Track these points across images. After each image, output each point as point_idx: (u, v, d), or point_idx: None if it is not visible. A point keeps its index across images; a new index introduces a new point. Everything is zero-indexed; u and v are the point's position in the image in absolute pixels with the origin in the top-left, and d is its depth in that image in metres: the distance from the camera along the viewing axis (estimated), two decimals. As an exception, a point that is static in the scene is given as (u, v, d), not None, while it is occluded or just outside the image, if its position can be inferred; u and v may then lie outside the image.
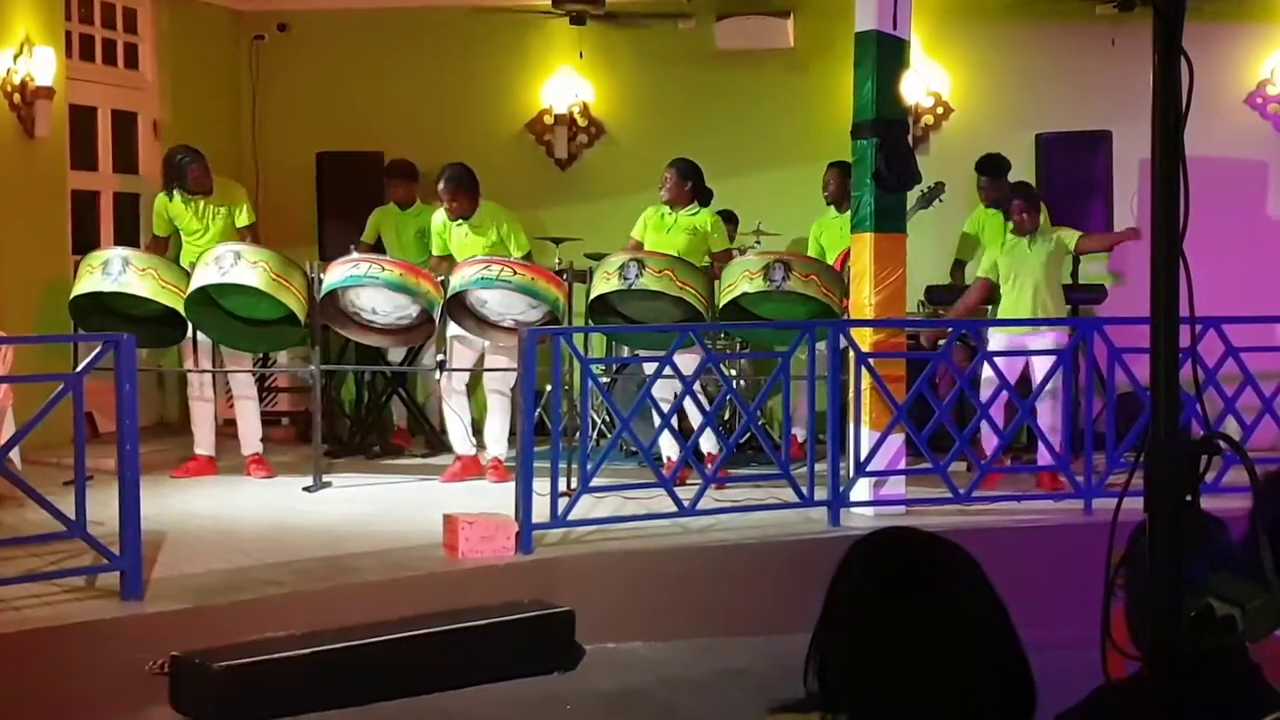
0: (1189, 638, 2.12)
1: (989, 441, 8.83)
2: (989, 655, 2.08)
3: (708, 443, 8.95)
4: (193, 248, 9.53)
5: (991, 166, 10.29)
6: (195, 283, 8.93)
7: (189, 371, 9.58)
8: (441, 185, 9.39)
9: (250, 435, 9.57)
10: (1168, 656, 2.12)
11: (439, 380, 9.59)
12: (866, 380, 8.21)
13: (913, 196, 8.89)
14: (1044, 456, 8.96)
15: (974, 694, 2.06)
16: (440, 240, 9.56)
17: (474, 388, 9.71)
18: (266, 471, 9.48)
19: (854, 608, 2.13)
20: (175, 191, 9.54)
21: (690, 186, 9.42)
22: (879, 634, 2.09)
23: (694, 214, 9.44)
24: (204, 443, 9.58)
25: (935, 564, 2.15)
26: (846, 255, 9.18)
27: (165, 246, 9.74)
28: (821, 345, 8.39)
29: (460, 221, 9.38)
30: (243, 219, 9.63)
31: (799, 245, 10.56)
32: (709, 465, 8.54)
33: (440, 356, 9.48)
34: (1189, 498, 2.12)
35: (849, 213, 8.86)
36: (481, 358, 9.45)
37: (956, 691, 2.05)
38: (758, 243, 10.79)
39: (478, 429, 9.56)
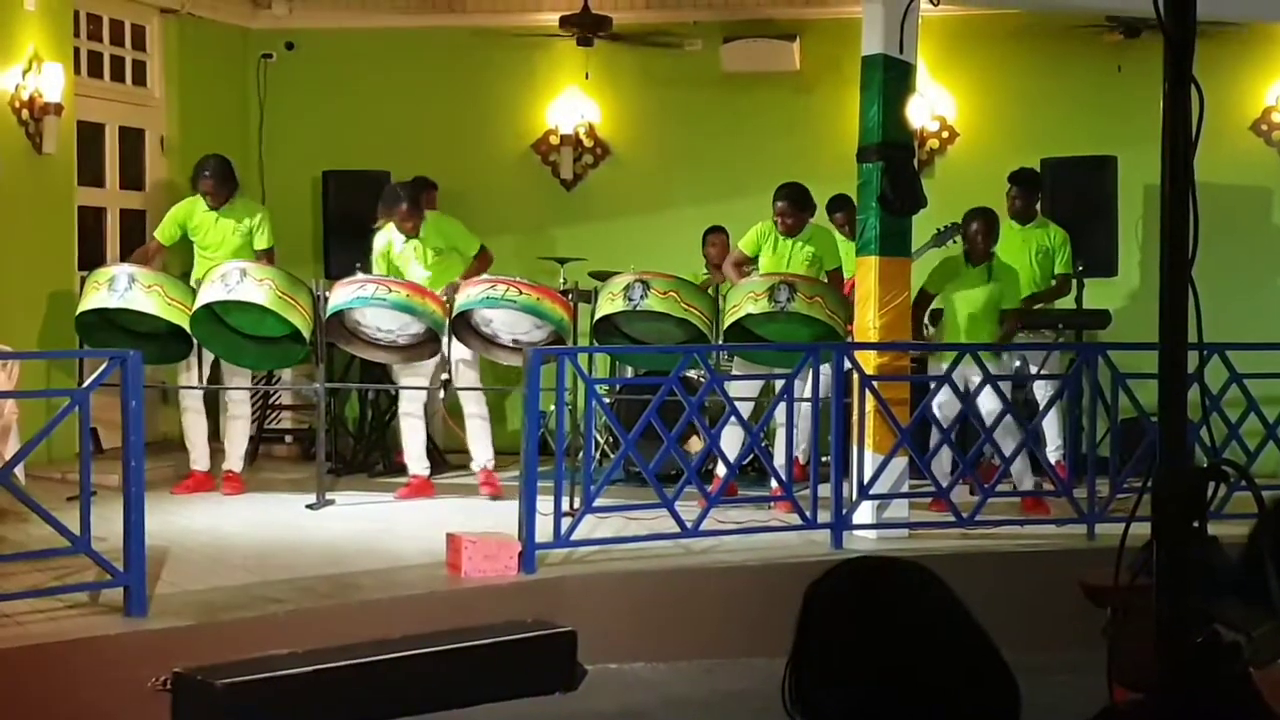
0: (1194, 664, 2.12)
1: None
2: (965, 666, 2.08)
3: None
4: (205, 261, 9.48)
5: (1028, 178, 10.13)
6: (201, 300, 8.94)
7: (183, 388, 9.56)
8: (402, 207, 9.47)
9: (235, 453, 9.60)
10: (1172, 682, 2.12)
11: (443, 399, 9.61)
12: (870, 403, 8.21)
13: (926, 234, 8.88)
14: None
15: (958, 708, 2.06)
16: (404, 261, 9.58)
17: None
18: (234, 488, 9.48)
19: (824, 642, 2.13)
20: (202, 198, 9.53)
21: (807, 214, 9.48)
22: (852, 664, 2.08)
23: (809, 239, 9.42)
24: (201, 459, 9.59)
25: (897, 586, 2.15)
26: (854, 283, 9.18)
27: (160, 252, 9.67)
28: (825, 367, 8.39)
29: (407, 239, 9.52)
30: (262, 242, 9.56)
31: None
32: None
33: (445, 375, 9.49)
34: (1196, 524, 2.12)
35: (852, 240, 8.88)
36: (434, 378, 9.51)
37: (941, 708, 2.05)
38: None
39: (434, 449, 9.66)
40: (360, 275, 9.38)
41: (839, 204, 10.30)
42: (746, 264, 9.46)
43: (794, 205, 9.35)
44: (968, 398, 8.59)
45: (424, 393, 9.58)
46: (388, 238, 9.58)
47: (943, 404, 8.59)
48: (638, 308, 8.96)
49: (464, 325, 9.14)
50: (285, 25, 12.19)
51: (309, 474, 9.55)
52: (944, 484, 8.54)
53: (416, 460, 9.57)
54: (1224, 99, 10.76)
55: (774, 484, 8.67)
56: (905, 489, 8.49)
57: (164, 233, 9.67)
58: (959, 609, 2.12)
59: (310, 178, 11.96)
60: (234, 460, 9.60)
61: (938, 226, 9.43)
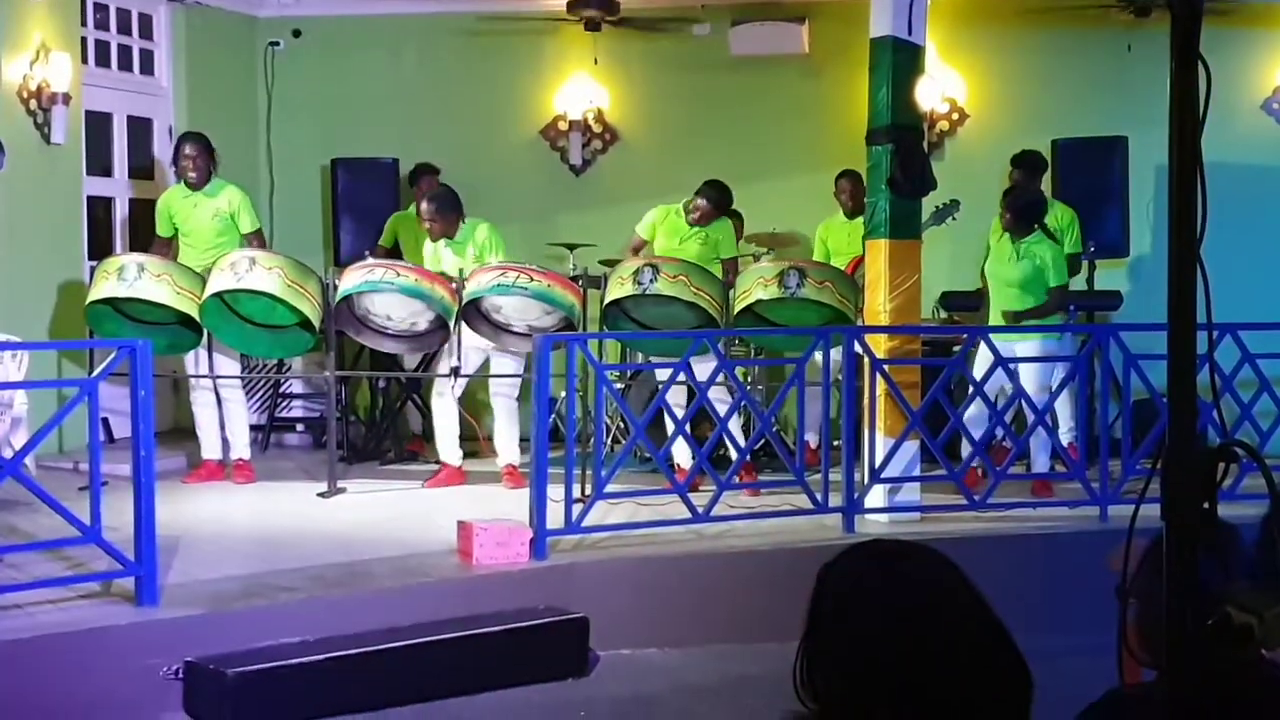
0: (1206, 645, 2.11)
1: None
2: (977, 649, 2.07)
3: (681, 455, 8.85)
4: (188, 250, 9.43)
5: (1028, 162, 10.08)
6: (211, 289, 8.92)
7: (192, 376, 9.55)
8: (424, 206, 9.41)
9: (239, 439, 9.57)
10: (1182, 664, 2.10)
11: (452, 386, 9.59)
12: (881, 386, 8.19)
13: (926, 211, 8.86)
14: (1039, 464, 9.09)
15: (969, 691, 2.05)
16: (433, 262, 9.50)
17: (474, 393, 9.72)
18: (245, 477, 9.48)
19: (836, 623, 2.13)
20: (181, 183, 9.48)
21: (721, 213, 9.51)
22: (864, 646, 2.08)
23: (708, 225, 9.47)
24: (211, 447, 9.58)
25: (909, 569, 2.15)
26: (858, 262, 9.17)
27: (168, 247, 9.64)
28: (836, 351, 8.38)
29: (445, 241, 9.40)
30: (246, 225, 9.48)
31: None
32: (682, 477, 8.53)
33: (455, 363, 9.47)
34: (1206, 505, 2.10)
35: (859, 219, 8.87)
36: (486, 363, 9.45)
37: (952, 692, 2.04)
38: (769, 250, 10.85)
39: (466, 437, 9.56)
40: (370, 260, 9.35)
41: (843, 173, 10.24)
42: (644, 247, 9.57)
43: (713, 206, 9.45)
44: (985, 381, 8.59)
45: (460, 380, 9.52)
46: None
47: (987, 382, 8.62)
48: (648, 292, 8.94)
49: (474, 312, 9.12)
50: (292, 13, 12.20)
51: (320, 462, 9.55)
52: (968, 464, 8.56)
53: (448, 448, 9.52)
54: (1234, 78, 10.74)
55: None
56: (917, 472, 8.49)
57: (162, 227, 9.62)
58: (971, 592, 2.12)
59: (319, 165, 11.96)
60: (240, 447, 9.58)
61: (936, 204, 9.38)
